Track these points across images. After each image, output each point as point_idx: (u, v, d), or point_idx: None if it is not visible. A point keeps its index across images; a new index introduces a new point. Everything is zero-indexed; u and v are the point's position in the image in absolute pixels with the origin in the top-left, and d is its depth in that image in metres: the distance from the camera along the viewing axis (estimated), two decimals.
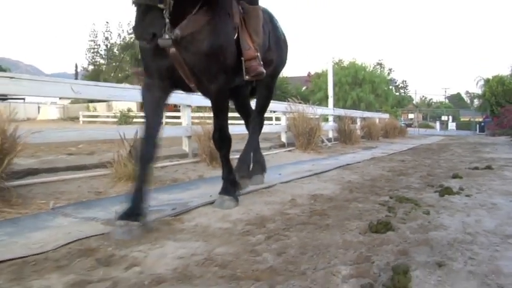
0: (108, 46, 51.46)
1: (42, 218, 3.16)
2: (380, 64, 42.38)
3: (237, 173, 4.07)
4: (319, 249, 2.41)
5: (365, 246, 2.45)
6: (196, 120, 6.98)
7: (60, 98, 44.86)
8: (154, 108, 3.22)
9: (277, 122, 13.58)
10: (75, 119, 38.68)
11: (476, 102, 42.60)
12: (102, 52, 51.98)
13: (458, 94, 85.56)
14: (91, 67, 52.07)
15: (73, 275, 2.00)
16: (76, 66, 51.73)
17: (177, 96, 6.00)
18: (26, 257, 2.25)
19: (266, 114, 5.14)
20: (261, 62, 3.77)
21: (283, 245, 2.48)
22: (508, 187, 4.74)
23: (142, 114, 3.33)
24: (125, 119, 29.27)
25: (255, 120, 4.70)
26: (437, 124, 48.65)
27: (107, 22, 51.05)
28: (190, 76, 3.28)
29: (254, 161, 4.61)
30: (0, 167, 3.41)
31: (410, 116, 48.66)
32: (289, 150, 9.46)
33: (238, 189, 3.84)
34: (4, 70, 48.49)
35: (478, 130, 38.34)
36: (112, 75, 42.29)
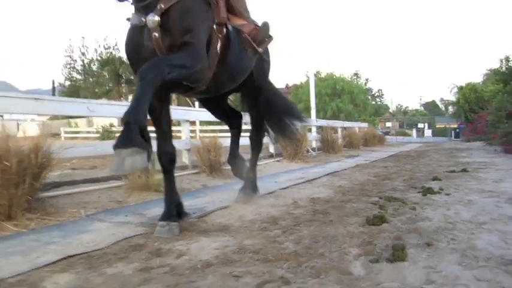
0: (85, 61, 51.21)
1: (81, 223, 3.60)
2: (356, 74, 43.35)
3: (242, 191, 4.45)
4: (328, 238, 2.93)
5: (366, 235, 2.98)
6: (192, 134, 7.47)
7: (39, 115, 44.87)
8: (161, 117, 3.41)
9: None
10: (55, 135, 38.67)
11: (450, 109, 43.63)
12: (79, 67, 51.66)
13: (433, 101, 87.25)
14: (68, 83, 51.74)
15: (136, 263, 2.47)
16: (53, 82, 51.23)
17: (176, 113, 6.50)
18: (88, 252, 2.71)
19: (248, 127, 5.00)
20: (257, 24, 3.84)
21: (298, 237, 2.99)
22: (481, 186, 5.34)
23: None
24: (107, 134, 29.40)
25: (253, 141, 4.69)
26: (414, 131, 49.72)
27: (83, 37, 50.78)
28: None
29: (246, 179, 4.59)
30: (38, 180, 3.86)
31: (388, 124, 49.66)
32: (278, 160, 9.99)
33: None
34: None
35: (453, 136, 39.40)
36: (96, 91, 42.34)
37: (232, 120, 4.77)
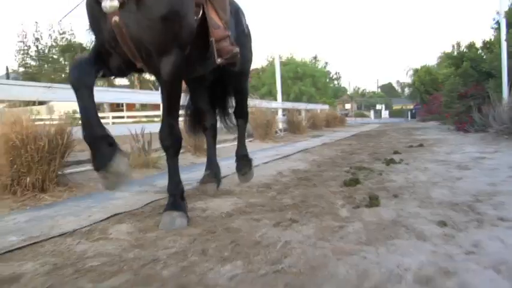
0: (39, 47, 49.99)
1: (105, 194, 4.22)
2: (315, 58, 44.36)
3: (240, 171, 4.37)
4: (316, 195, 3.68)
5: (345, 192, 3.75)
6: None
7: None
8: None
9: None
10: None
11: (407, 90, 45.04)
12: (33, 54, 50.45)
13: (390, 83, 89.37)
14: (21, 69, 50.57)
15: None
16: (7, 69, 50.02)
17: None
18: (129, 211, 3.38)
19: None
20: (233, 42, 3.44)
21: (292, 196, 3.74)
22: (435, 157, 6.23)
23: None
24: (72, 120, 29.30)
25: (237, 112, 4.54)
26: (372, 113, 51.32)
27: (36, 22, 49.74)
28: (136, 51, 2.86)
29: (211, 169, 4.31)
30: (63, 159, 4.47)
31: (347, 106, 51.07)
32: (250, 141, 10.70)
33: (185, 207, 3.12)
34: None
35: (409, 117, 41.01)
36: (52, 77, 41.81)
37: (206, 116, 4.46)
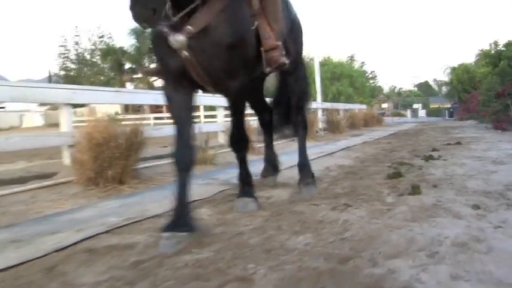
0: (79, 51, 51.33)
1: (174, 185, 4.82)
2: (352, 58, 44.62)
3: (302, 182, 4.15)
4: (364, 186, 4.19)
5: (390, 183, 4.24)
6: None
7: (39, 105, 45.75)
8: (183, 110, 3.03)
9: None
10: (57, 124, 39.45)
11: (444, 89, 44.65)
12: (73, 57, 51.82)
13: (427, 82, 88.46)
14: (62, 72, 52.03)
15: None
16: (49, 73, 51.72)
17: (214, 99, 7.70)
18: (204, 198, 3.95)
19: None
20: (283, 52, 3.49)
21: (342, 186, 4.26)
22: (472, 154, 6.64)
23: (169, 116, 3.30)
24: (114, 122, 30.30)
25: (297, 120, 4.45)
26: (409, 112, 51.13)
27: (76, 27, 51.26)
28: (206, 78, 3.01)
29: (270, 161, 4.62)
30: (137, 155, 5.09)
31: (384, 105, 51.02)
32: (292, 140, 11.21)
33: (254, 191, 3.57)
34: None
35: (447, 116, 40.77)
36: (92, 80, 43.16)
37: (261, 114, 4.67)
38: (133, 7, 2.37)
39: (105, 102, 6.48)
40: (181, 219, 2.73)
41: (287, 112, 4.48)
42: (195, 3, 2.76)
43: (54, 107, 47.30)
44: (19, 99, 5.43)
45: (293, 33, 4.10)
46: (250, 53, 3.16)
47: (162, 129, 5.81)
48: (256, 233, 2.71)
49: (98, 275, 2.11)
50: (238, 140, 3.43)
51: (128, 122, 5.67)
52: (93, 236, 2.82)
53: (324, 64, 35.19)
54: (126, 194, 4.43)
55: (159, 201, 3.88)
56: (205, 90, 3.38)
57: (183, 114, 3.01)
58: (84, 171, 4.70)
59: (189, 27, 2.75)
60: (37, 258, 2.41)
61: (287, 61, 3.50)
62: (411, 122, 30.73)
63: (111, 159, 4.63)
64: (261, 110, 4.67)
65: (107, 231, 2.92)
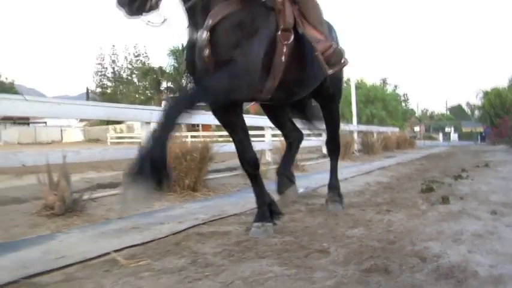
0: (115, 69, 52.75)
1: (241, 193, 5.63)
2: (384, 81, 45.32)
3: (330, 200, 4.40)
4: (401, 198, 4.99)
5: (423, 196, 5.03)
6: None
7: (79, 120, 47.44)
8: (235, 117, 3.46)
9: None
10: (97, 140, 41.00)
11: (477, 113, 44.69)
12: (109, 75, 53.25)
13: (459, 105, 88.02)
14: (98, 89, 53.50)
15: (303, 205, 4.56)
16: (87, 90, 53.58)
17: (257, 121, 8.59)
18: None
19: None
20: (340, 49, 3.60)
21: (383, 198, 5.06)
22: (498, 174, 7.38)
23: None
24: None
25: (330, 147, 4.78)
26: (441, 135, 51.26)
27: (113, 45, 53.20)
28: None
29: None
30: (207, 168, 5.98)
31: (416, 128, 51.28)
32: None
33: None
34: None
35: (479, 140, 40.89)
36: (132, 98, 44.69)
37: (290, 131, 4.69)
38: None
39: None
40: (266, 212, 3.39)
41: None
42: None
43: (93, 123, 49.04)
44: (111, 117, 6.40)
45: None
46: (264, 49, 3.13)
47: (224, 146, 6.60)
48: (320, 227, 3.53)
49: (212, 248, 2.96)
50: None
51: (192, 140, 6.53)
52: (195, 225, 3.69)
53: (358, 87, 36.04)
54: (201, 199, 5.30)
55: (231, 204, 4.73)
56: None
57: (234, 121, 3.45)
58: None
59: (208, 21, 2.93)
60: (160, 238, 3.28)
61: (346, 59, 3.64)
62: (443, 146, 31.15)
63: (187, 170, 5.52)
64: (288, 129, 4.67)
65: (203, 223, 3.79)
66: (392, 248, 2.78)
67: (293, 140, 4.63)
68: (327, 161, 5.06)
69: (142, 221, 3.92)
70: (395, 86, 45.86)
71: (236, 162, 8.18)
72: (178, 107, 2.82)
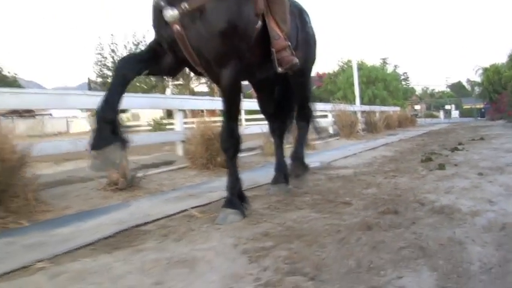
0: (115, 58, 52.31)
1: (266, 168, 6.52)
2: (384, 61, 45.97)
3: (293, 173, 4.37)
4: (404, 166, 5.86)
5: (423, 165, 5.90)
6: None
7: (82, 111, 48.02)
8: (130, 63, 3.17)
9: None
10: None
11: (477, 90, 45.13)
12: (110, 64, 52.87)
13: (460, 82, 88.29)
14: (99, 79, 53.38)
15: (323, 175, 5.44)
16: (88, 80, 53.70)
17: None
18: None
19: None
20: (293, 52, 3.61)
21: (389, 167, 5.93)
22: (491, 146, 8.27)
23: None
24: (158, 126, 32.05)
25: (299, 116, 4.62)
26: (441, 113, 51.98)
27: (112, 35, 53.07)
28: (197, 59, 3.15)
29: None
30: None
31: (416, 107, 51.92)
32: (337, 139, 12.92)
33: (246, 202, 3.54)
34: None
35: (479, 116, 41.62)
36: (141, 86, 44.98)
37: (272, 119, 4.74)
38: None
39: (202, 108, 8.24)
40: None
41: (289, 115, 4.67)
42: None
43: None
44: (155, 106, 7.29)
45: (306, 43, 4.26)
46: (243, 44, 3.19)
47: (249, 127, 7.42)
48: (341, 188, 4.39)
49: (261, 205, 3.81)
50: (228, 139, 3.40)
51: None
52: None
53: (359, 68, 36.80)
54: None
55: (261, 176, 5.56)
56: (197, 73, 3.60)
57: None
58: (197, 159, 6.46)
59: (185, 3, 2.89)
60: (215, 201, 4.13)
61: (297, 61, 3.60)
62: (443, 123, 32.07)
63: (218, 150, 6.37)
64: (271, 115, 4.70)
65: (245, 190, 4.64)
66: (399, 199, 3.66)
67: (301, 126, 4.65)
68: (334, 140, 5.84)
69: (193, 191, 4.76)
70: (396, 66, 46.55)
71: (255, 143, 9.14)
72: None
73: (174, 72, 3.60)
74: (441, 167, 5.38)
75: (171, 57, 3.28)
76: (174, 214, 3.59)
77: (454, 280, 1.89)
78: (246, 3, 3.20)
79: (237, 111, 3.45)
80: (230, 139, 3.38)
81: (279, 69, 3.54)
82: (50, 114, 50.44)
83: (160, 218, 3.49)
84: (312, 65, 4.66)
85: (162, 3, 2.97)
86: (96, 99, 3.43)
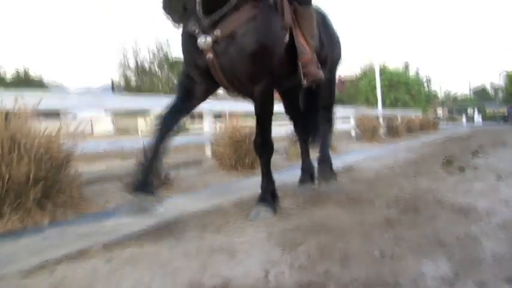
0: (138, 61, 52.72)
1: (291, 171, 6.77)
2: (406, 65, 45.86)
3: (321, 176, 4.48)
4: (425, 169, 6.08)
5: (444, 168, 6.11)
6: None
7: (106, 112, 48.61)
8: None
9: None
10: (125, 131, 42.05)
11: (501, 94, 44.83)
12: (132, 66, 53.26)
13: (483, 86, 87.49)
14: (122, 81, 53.64)
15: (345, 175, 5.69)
16: (112, 82, 54.12)
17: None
18: None
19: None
20: (319, 65, 3.75)
21: (411, 170, 6.14)
22: (510, 150, 8.40)
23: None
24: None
25: (323, 118, 4.66)
26: (464, 118, 51.64)
27: (136, 38, 53.57)
28: (228, 83, 3.29)
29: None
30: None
31: (439, 111, 51.66)
32: (359, 142, 13.14)
33: (277, 201, 3.77)
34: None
35: (502, 121, 41.33)
36: (162, 90, 45.50)
37: (297, 122, 4.88)
38: (166, 3, 2.71)
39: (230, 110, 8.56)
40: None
41: (314, 118, 4.68)
42: (227, 8, 3.01)
43: (121, 114, 50.21)
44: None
45: (329, 47, 4.32)
46: (274, 61, 3.29)
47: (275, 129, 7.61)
48: (363, 189, 4.60)
49: (289, 204, 4.06)
50: (263, 145, 3.60)
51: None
52: None
53: (382, 72, 36.81)
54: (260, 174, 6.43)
55: (287, 177, 5.81)
56: (229, 93, 3.69)
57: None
58: (225, 160, 6.75)
59: (218, 30, 2.99)
60: (247, 199, 4.41)
61: (323, 75, 3.76)
62: (465, 127, 31.92)
63: (246, 152, 6.66)
64: (297, 119, 4.83)
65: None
66: (419, 199, 3.89)
67: (324, 129, 4.76)
68: (355, 143, 6.04)
69: (225, 190, 5.06)
70: (417, 69, 46.42)
71: (278, 145, 9.38)
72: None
73: (207, 96, 3.64)
74: (461, 170, 5.58)
75: (203, 86, 3.43)
76: (209, 210, 3.86)
77: (468, 268, 2.13)
78: (272, 21, 3.29)
79: (270, 120, 3.55)
80: (265, 146, 3.59)
81: (304, 82, 3.65)
82: (74, 114, 51.15)
83: (197, 212, 3.78)
84: (336, 69, 4.80)
85: (196, 31, 3.05)
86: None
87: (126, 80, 53.23)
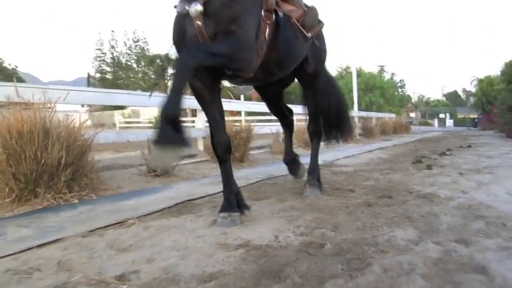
0: (114, 54, 52.34)
1: (277, 164, 7.46)
2: (382, 68, 47.06)
3: (308, 184, 4.45)
4: (398, 166, 6.81)
5: (414, 166, 6.84)
6: None
7: (82, 106, 48.47)
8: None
9: None
10: (103, 125, 41.89)
11: (471, 100, 46.14)
12: (109, 60, 52.82)
13: (455, 92, 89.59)
14: (98, 75, 53.20)
15: (330, 168, 6.39)
16: (88, 75, 53.84)
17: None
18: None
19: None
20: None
21: (383, 167, 6.88)
22: (475, 152, 9.24)
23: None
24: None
25: (312, 129, 4.73)
26: (436, 121, 53.05)
27: (113, 31, 53.42)
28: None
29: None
30: (250, 145, 7.77)
31: (412, 114, 52.94)
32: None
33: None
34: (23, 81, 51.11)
35: (471, 126, 42.69)
36: (136, 86, 45.64)
37: (284, 118, 5.21)
38: None
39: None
40: (232, 201, 3.47)
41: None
42: None
43: (97, 108, 50.03)
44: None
45: (315, 49, 4.23)
46: (250, 23, 3.18)
47: (262, 128, 8.31)
48: (344, 180, 5.31)
49: (282, 190, 4.75)
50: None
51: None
52: (260, 180, 5.50)
53: (358, 75, 37.78)
54: (249, 167, 7.10)
55: (274, 170, 6.50)
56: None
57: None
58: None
59: None
60: (244, 186, 5.04)
61: (322, 22, 4.02)
62: (437, 131, 33.11)
63: (237, 146, 7.31)
64: (282, 115, 5.17)
65: (267, 179, 5.61)
66: (392, 189, 4.59)
67: (287, 127, 5.24)
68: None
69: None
70: (393, 74, 47.66)
71: (264, 142, 10.08)
72: (190, 60, 2.82)
73: (216, 94, 3.55)
74: (429, 167, 6.33)
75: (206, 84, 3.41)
76: (214, 194, 4.51)
77: (429, 233, 2.84)
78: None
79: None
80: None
81: (309, 34, 3.76)
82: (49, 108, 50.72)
83: (205, 195, 4.43)
84: (323, 63, 4.69)
85: (184, 2, 3.08)
86: None
87: (102, 73, 52.95)
